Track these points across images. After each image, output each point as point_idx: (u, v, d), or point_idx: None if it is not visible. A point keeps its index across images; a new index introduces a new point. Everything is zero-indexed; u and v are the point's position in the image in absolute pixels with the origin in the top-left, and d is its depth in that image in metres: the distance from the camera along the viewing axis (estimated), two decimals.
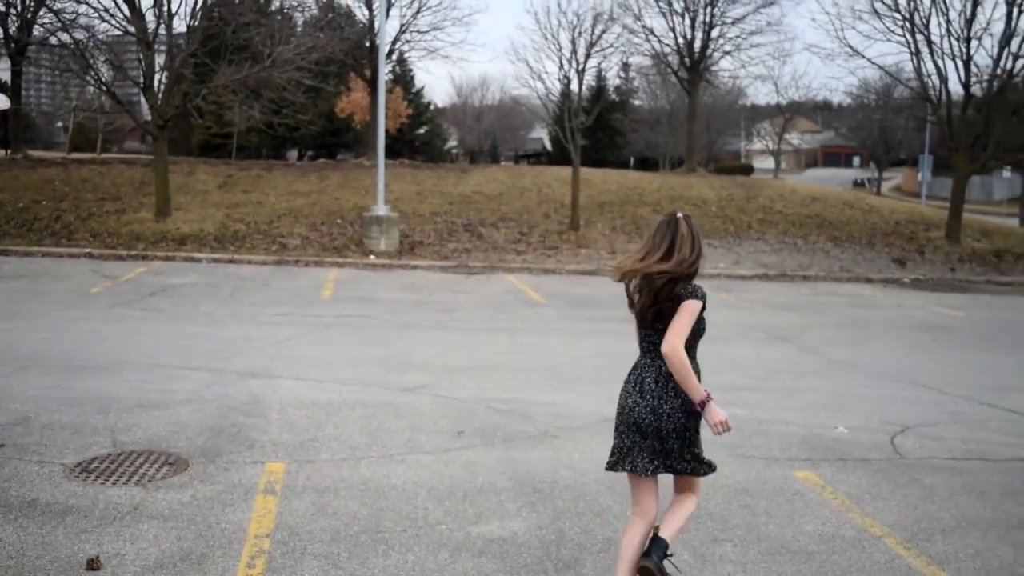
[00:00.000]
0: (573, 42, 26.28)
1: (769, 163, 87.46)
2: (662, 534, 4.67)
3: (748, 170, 73.31)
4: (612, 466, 4.83)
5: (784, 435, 8.28)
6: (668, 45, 37.38)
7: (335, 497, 6.31)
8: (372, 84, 31.97)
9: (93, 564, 5.07)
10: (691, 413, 4.66)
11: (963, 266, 25.31)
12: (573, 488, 6.68)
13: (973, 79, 28.11)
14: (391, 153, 41.82)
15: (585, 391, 9.75)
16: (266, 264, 21.01)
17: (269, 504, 6.13)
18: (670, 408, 4.66)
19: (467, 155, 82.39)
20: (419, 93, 66.04)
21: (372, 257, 22.04)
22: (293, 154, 56.47)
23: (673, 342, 4.53)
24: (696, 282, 4.67)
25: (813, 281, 22.24)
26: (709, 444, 7.82)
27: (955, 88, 29.06)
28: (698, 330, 4.68)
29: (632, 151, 70.96)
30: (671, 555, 4.73)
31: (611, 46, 32.17)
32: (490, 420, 8.36)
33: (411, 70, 61.17)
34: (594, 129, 65.13)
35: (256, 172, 29.55)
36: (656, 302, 4.63)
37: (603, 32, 27.19)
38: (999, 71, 27.72)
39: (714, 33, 36.93)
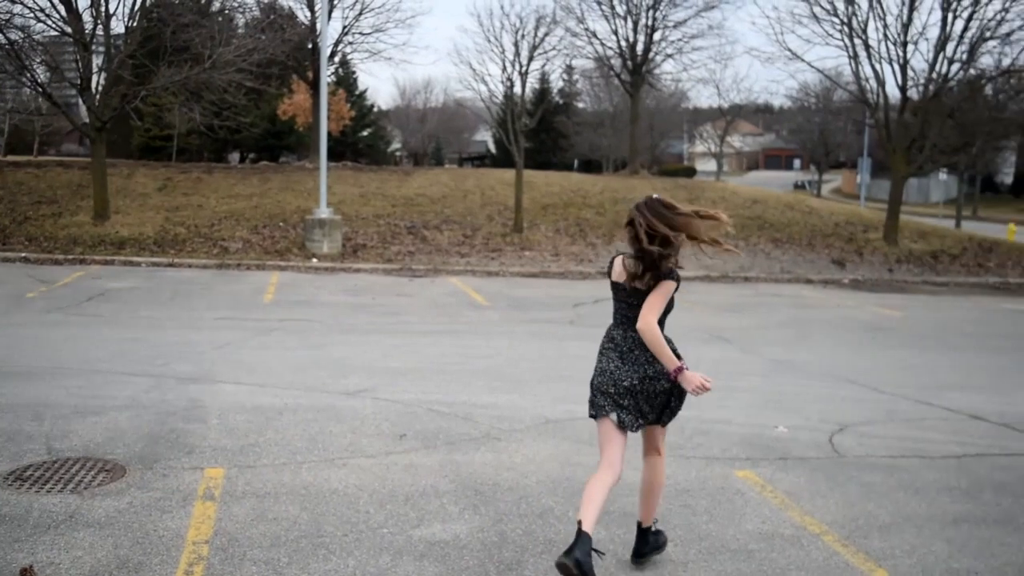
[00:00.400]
0: (516, 44, 26.35)
1: (711, 165, 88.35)
2: (646, 524, 5.40)
3: (691, 172, 73.93)
4: (592, 414, 5.24)
5: (725, 435, 8.35)
6: (611, 48, 37.64)
7: (275, 502, 6.26)
8: (314, 86, 31.80)
9: (27, 574, 4.98)
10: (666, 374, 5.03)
11: (901, 267, 25.70)
12: (515, 490, 6.69)
13: (910, 83, 28.58)
14: (334, 155, 41.63)
15: (528, 393, 9.77)
16: (207, 268, 20.79)
17: (208, 510, 6.06)
18: (650, 372, 5.07)
19: (411, 157, 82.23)
20: (362, 95, 65.73)
21: (315, 260, 21.91)
22: (235, 156, 55.95)
23: (648, 319, 4.94)
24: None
25: (754, 282, 22.47)
26: None
27: (892, 92, 29.55)
28: (668, 307, 5.09)
29: (576, 153, 71.24)
30: (659, 530, 5.50)
31: (554, 49, 32.46)
32: (432, 423, 8.35)
33: (354, 72, 60.86)
34: (538, 131, 65.28)
35: (196, 175, 29.25)
36: (636, 286, 5.06)
37: (546, 35, 27.33)
38: (935, 75, 28.19)
39: (656, 36, 37.27)
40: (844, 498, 6.83)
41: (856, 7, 28.33)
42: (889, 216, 28.62)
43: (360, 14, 34.11)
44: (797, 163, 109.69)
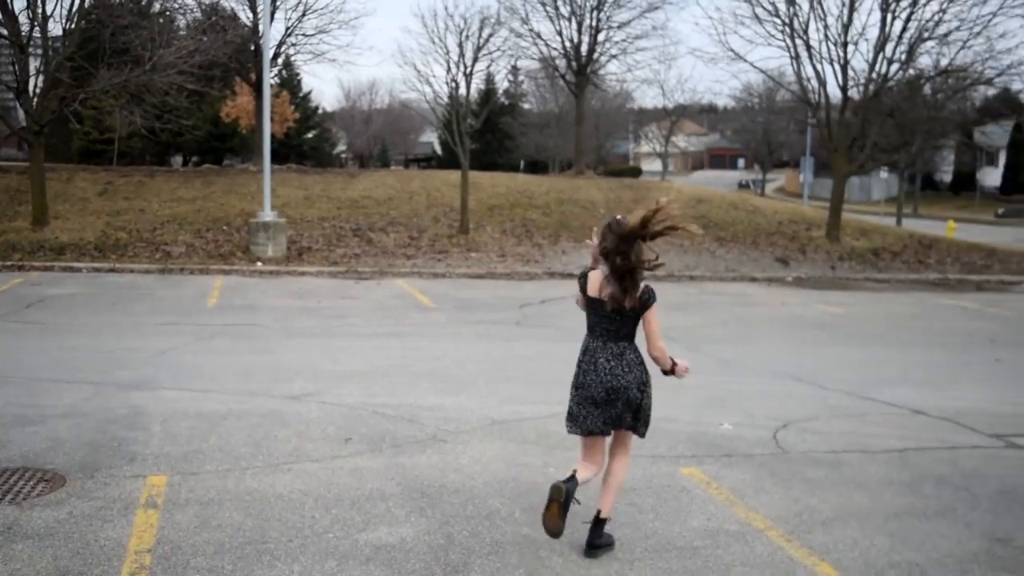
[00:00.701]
0: (460, 46, 26.35)
1: (657, 165, 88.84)
2: (604, 515, 5.67)
3: (636, 172, 74.30)
4: (571, 430, 5.74)
5: (671, 433, 8.40)
6: (555, 49, 37.72)
7: (219, 509, 6.20)
8: (257, 88, 31.53)
9: None
10: (642, 384, 5.61)
11: (843, 264, 26.01)
12: (462, 492, 6.67)
13: (850, 83, 28.94)
14: (279, 158, 41.31)
15: (474, 394, 9.75)
16: (149, 273, 20.54)
17: (150, 518, 5.99)
18: (624, 383, 5.55)
19: (357, 159, 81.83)
20: (307, 97, 65.28)
21: (259, 264, 21.72)
22: (178, 160, 55.30)
23: (660, 345, 5.58)
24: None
25: (699, 281, 22.63)
26: None
27: (834, 91, 30.00)
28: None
29: (522, 154, 71.32)
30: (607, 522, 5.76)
31: (498, 50, 32.38)
32: (378, 426, 8.31)
33: (298, 74, 60.43)
34: (484, 133, 65.29)
35: (138, 178, 28.89)
36: (629, 301, 5.46)
37: (490, 36, 27.35)
38: (874, 75, 28.57)
39: (600, 37, 37.38)
40: (788, 494, 6.90)
41: (797, 8, 28.68)
42: (831, 214, 28.96)
43: (303, 15, 33.87)
44: (741, 162, 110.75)
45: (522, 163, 72.42)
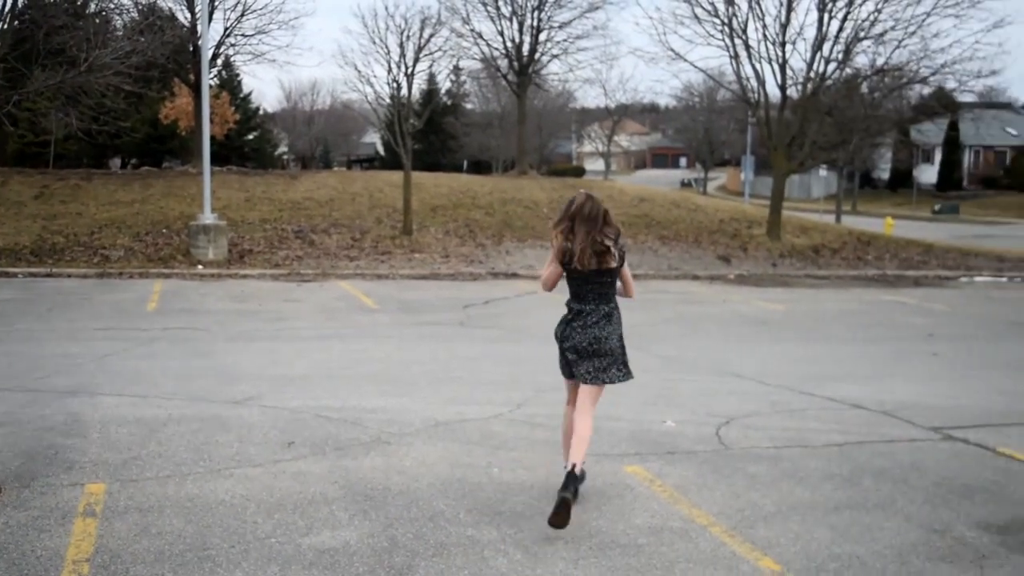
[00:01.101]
0: (401, 46, 26.19)
1: (600, 165, 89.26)
2: (576, 468, 6.13)
3: (580, 172, 74.66)
4: (566, 375, 6.67)
5: (614, 431, 8.43)
6: (497, 49, 37.66)
7: (159, 516, 6.11)
8: (196, 89, 31.15)
9: None
10: (619, 337, 6.52)
11: (784, 261, 26.29)
12: (406, 494, 6.65)
13: (789, 82, 29.26)
14: (220, 160, 40.89)
15: (417, 395, 9.72)
16: (87, 277, 20.22)
17: (89, 527, 5.89)
18: (606, 334, 6.40)
19: (298, 161, 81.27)
20: (247, 98, 64.66)
21: (200, 267, 21.49)
22: (116, 162, 54.52)
23: (633, 290, 6.86)
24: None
25: (643, 279, 22.71)
26: (540, 444, 7.93)
27: (773, 90, 30.18)
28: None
29: (465, 154, 71.27)
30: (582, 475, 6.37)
31: (440, 50, 32.15)
32: (321, 429, 8.25)
33: (238, 75, 59.80)
34: (426, 133, 65.05)
35: (75, 182, 28.43)
36: (608, 262, 6.33)
37: (431, 36, 27.20)
38: (813, 74, 28.92)
39: (542, 37, 37.39)
40: (730, 489, 6.96)
41: (736, 8, 28.91)
42: (772, 212, 29.26)
43: (242, 15, 33.48)
44: (683, 161, 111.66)
45: (465, 163, 72.36)
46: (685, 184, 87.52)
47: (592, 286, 6.39)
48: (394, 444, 7.85)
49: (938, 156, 74.23)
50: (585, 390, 6.47)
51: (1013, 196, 68.91)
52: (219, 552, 5.57)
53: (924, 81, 30.93)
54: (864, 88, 32.34)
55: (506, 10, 36.62)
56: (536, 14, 36.84)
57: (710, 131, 77.48)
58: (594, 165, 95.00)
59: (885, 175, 78.34)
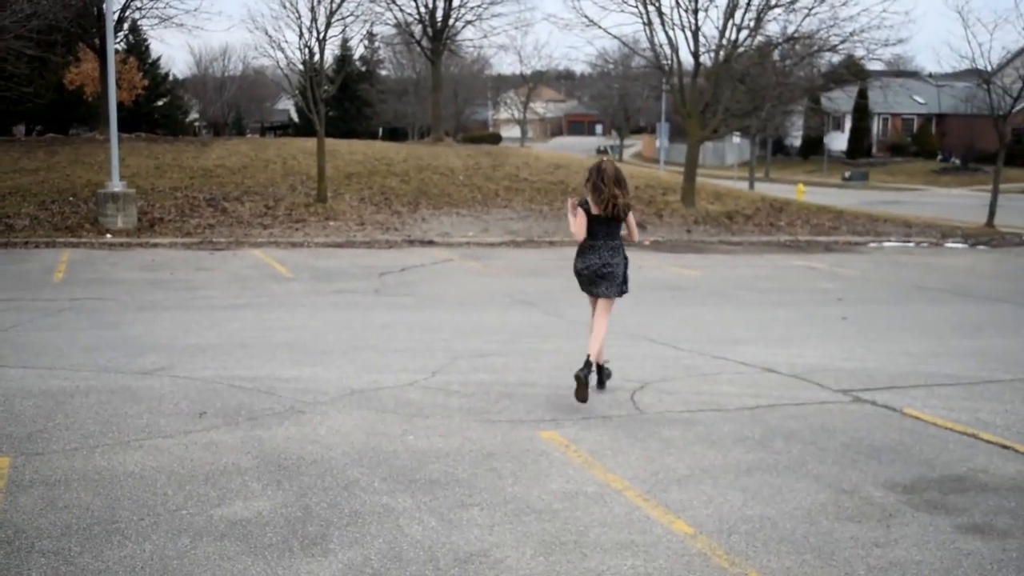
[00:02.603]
0: (313, 10, 25.74)
1: (516, 132, 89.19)
2: (595, 359, 8.40)
3: (496, 139, 74.47)
4: (586, 292, 8.75)
5: (529, 397, 8.45)
6: (411, 15, 37.35)
7: (66, 489, 5.98)
8: (102, 54, 30.35)
9: None
10: (623, 266, 8.59)
11: (698, 228, 26.55)
12: (320, 463, 6.59)
13: (702, 49, 29.41)
14: (129, 127, 39.89)
15: (332, 364, 9.63)
16: None
17: None
18: (616, 263, 8.48)
19: (210, 128, 79.80)
20: (156, 64, 63.25)
21: (109, 236, 21.01)
22: (21, 129, 52.99)
23: (637, 233, 8.98)
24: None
25: (559, 246, 22.77)
26: (455, 411, 7.91)
27: (686, 58, 30.35)
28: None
29: (381, 121, 70.73)
30: (607, 362, 8.92)
31: (352, 15, 31.77)
32: (233, 399, 8.13)
33: (146, 39, 58.44)
34: (341, 100, 64.41)
35: None
36: (619, 211, 8.37)
37: (343, 0, 26.79)
38: (725, 41, 29.12)
39: (456, 3, 37.15)
40: (645, 454, 7.01)
41: None
42: (686, 179, 29.49)
43: None
44: (599, 128, 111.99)
45: (381, 130, 71.82)
46: (601, 151, 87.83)
47: (603, 227, 8.40)
48: (308, 413, 7.78)
49: (848, 124, 75.53)
50: (601, 302, 8.58)
51: (920, 163, 70.50)
52: (128, 525, 5.46)
53: (834, 49, 31.34)
54: (776, 56, 32.64)
55: None
56: None
57: (625, 98, 77.81)
58: (510, 132, 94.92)
59: (797, 142, 79.50)
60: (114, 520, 5.52)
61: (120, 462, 6.50)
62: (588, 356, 8.21)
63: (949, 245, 26.17)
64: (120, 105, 26.48)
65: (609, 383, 9.04)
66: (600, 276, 8.45)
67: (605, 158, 8.74)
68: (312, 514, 5.71)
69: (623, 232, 8.61)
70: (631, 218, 8.61)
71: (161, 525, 5.47)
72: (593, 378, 8.48)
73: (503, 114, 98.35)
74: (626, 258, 8.59)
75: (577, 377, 7.95)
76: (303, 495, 6.00)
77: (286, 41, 55.17)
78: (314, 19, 25.70)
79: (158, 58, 65.35)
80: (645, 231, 25.22)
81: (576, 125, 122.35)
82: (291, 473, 6.38)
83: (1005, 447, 7.40)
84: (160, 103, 64.04)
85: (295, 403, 8.06)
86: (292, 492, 6.05)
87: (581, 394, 7.97)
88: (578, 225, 8.43)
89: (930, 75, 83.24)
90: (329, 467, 6.51)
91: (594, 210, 8.33)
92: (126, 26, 38.30)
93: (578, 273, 8.62)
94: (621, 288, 8.57)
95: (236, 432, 7.22)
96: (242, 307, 13.35)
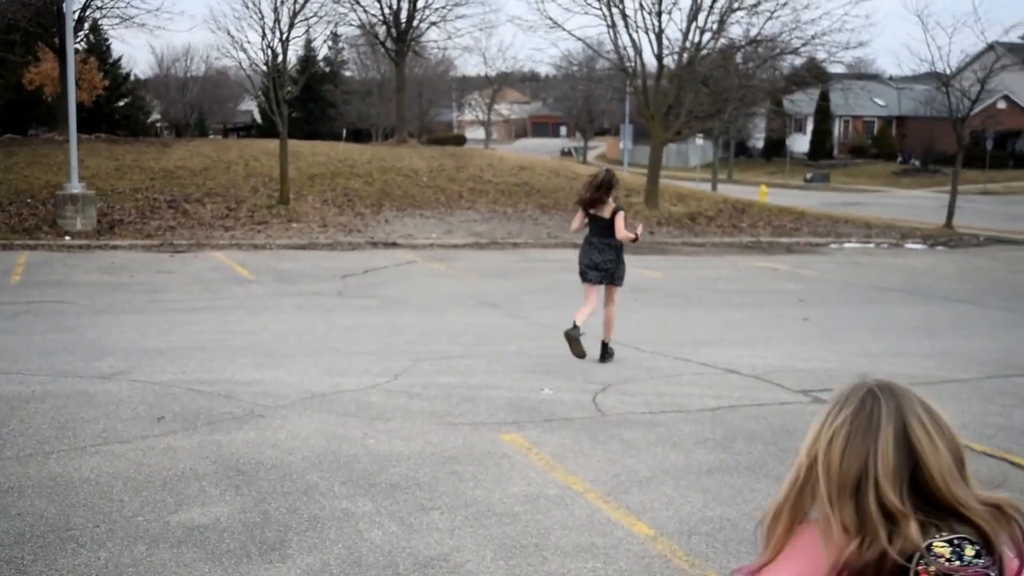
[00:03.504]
0: (276, 11, 25.58)
1: (480, 133, 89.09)
2: (607, 340, 10.31)
3: (461, 140, 74.40)
4: (583, 279, 10.20)
5: (492, 400, 8.43)
6: (375, 15, 37.18)
7: (19, 497, 5.89)
8: (61, 54, 30.02)
9: None
10: (619, 258, 10.12)
11: (661, 229, 26.62)
12: (279, 468, 6.53)
13: (665, 52, 29.51)
14: (89, 127, 39.46)
15: (293, 367, 9.57)
16: None
17: None
18: (606, 259, 10.02)
19: (172, 129, 79.13)
20: (117, 64, 62.63)
21: (68, 238, 20.78)
22: None
23: (623, 233, 9.95)
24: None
25: (523, 248, 22.80)
26: (417, 415, 7.87)
27: (649, 60, 30.47)
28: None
29: (345, 123, 70.43)
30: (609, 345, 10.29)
31: (316, 15, 31.43)
32: (192, 403, 8.05)
33: (107, 39, 57.81)
34: (305, 101, 64.07)
35: None
36: (607, 213, 9.92)
37: (306, 1, 26.63)
38: (688, 44, 29.23)
39: (420, 4, 36.99)
40: (606, 456, 7.01)
41: None
42: (649, 180, 29.57)
43: None
44: (564, 130, 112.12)
45: (344, 132, 71.53)
46: (565, 153, 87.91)
47: (598, 225, 10.00)
48: (268, 417, 7.71)
49: (810, 126, 75.98)
50: (602, 289, 10.19)
51: (880, 165, 71.06)
52: (83, 532, 5.39)
53: (796, 52, 31.57)
54: (738, 58, 32.80)
55: None
56: None
57: (589, 100, 77.77)
58: (475, 134, 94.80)
59: (759, 144, 79.90)
60: (68, 528, 5.45)
61: (75, 468, 6.42)
62: (575, 320, 9.97)
63: (909, 246, 26.41)
64: (80, 105, 26.22)
65: (570, 385, 9.04)
66: (591, 268, 10.07)
67: (604, 166, 10.66)
68: (271, 519, 5.66)
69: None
70: (618, 219, 9.92)
71: (117, 532, 5.41)
72: (593, 348, 10.18)
73: (467, 116, 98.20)
74: (619, 254, 10.09)
75: (568, 336, 9.78)
76: (262, 500, 5.95)
77: (249, 42, 55.03)
78: (277, 20, 25.56)
79: (119, 58, 64.76)
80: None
81: (540, 127, 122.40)
82: (250, 478, 6.33)
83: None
84: (121, 104, 63.45)
85: (255, 407, 7.99)
86: (251, 497, 5.99)
87: (578, 350, 9.81)
88: (576, 220, 10.31)
89: (890, 78, 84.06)
90: (288, 472, 6.46)
91: (589, 210, 10.03)
92: (87, 26, 37.88)
93: (580, 262, 10.28)
94: (613, 279, 10.13)
95: (194, 437, 7.15)
96: (203, 310, 13.24)
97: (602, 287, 10.23)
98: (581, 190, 10.17)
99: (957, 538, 1.72)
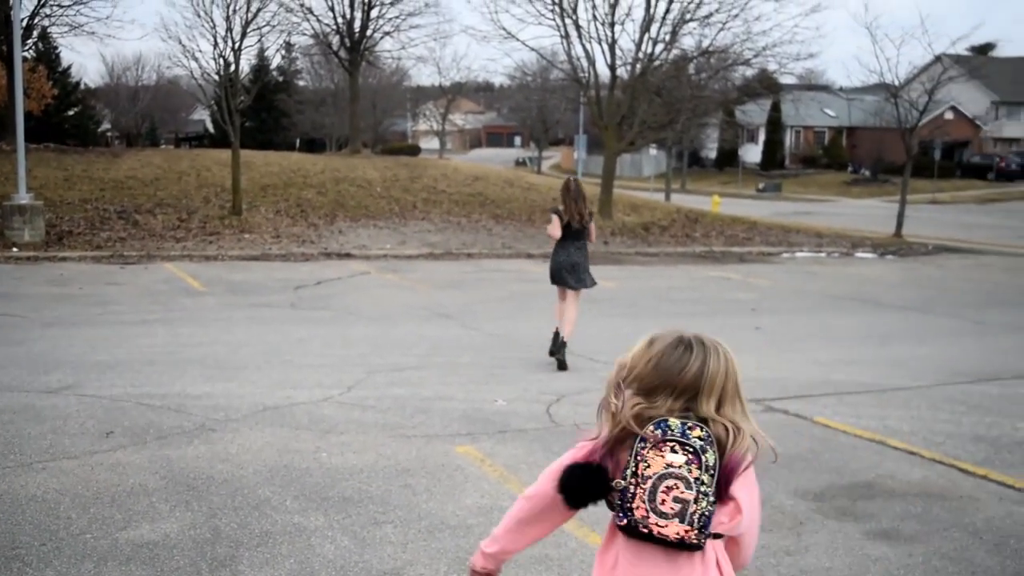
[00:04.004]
0: (228, 19, 25.43)
1: (435, 143, 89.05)
2: (565, 337, 10.64)
3: (415, 150, 74.30)
4: (556, 285, 10.92)
5: (445, 411, 8.40)
6: (328, 25, 37.09)
7: None
8: (8, 62, 29.63)
9: None
10: (587, 260, 10.97)
11: (615, 239, 26.72)
12: (230, 482, 6.47)
13: (619, 62, 29.69)
14: (38, 137, 39.05)
15: (245, 380, 9.48)
16: None
17: None
18: (579, 261, 10.80)
19: (123, 138, 78.33)
20: (66, 72, 62.04)
21: (15, 250, 20.47)
22: None
23: (594, 238, 11.07)
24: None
25: (477, 258, 22.79)
26: (370, 427, 7.82)
27: (603, 70, 30.60)
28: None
29: (298, 132, 70.11)
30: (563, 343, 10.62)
31: (268, 25, 31.27)
32: (142, 417, 7.95)
33: (56, 47, 57.33)
34: (258, 110, 63.72)
35: None
36: (584, 220, 10.76)
37: (259, 10, 26.50)
38: (641, 55, 29.42)
39: (373, 13, 37.01)
40: None
41: None
42: (603, 190, 29.69)
43: None
44: (518, 140, 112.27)
45: (298, 141, 71.20)
46: (520, 163, 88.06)
47: (574, 232, 10.72)
48: (219, 431, 7.64)
49: (762, 136, 76.78)
50: (570, 293, 10.82)
51: (831, 174, 71.84)
52: (29, 551, 5.30)
53: (747, 63, 31.88)
54: (691, 69, 33.05)
55: None
56: None
57: (544, 110, 77.99)
58: (429, 144, 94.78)
59: (712, 154, 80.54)
60: (14, 546, 5.36)
61: (22, 485, 6.31)
62: (560, 335, 10.68)
63: (859, 255, 26.70)
64: (28, 115, 25.89)
65: (525, 396, 9.04)
66: (567, 270, 10.72)
67: (571, 176, 11.49)
68: (221, 535, 5.60)
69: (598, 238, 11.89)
70: (592, 226, 11.03)
71: (64, 550, 5.32)
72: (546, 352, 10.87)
73: (422, 125, 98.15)
74: (587, 257, 11.07)
75: (554, 356, 10.61)
76: (212, 515, 5.88)
77: (200, 51, 54.50)
78: (229, 29, 25.41)
79: (69, 67, 64.15)
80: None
81: (495, 137, 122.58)
82: (200, 493, 6.26)
83: (912, 453, 7.55)
84: (71, 113, 62.84)
85: (206, 421, 7.91)
86: (201, 513, 5.92)
87: (563, 367, 10.51)
88: (554, 227, 10.76)
89: (840, 89, 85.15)
90: (240, 486, 6.40)
91: (564, 218, 10.71)
92: (35, 33, 37.45)
93: (552, 267, 10.89)
94: (587, 280, 10.92)
95: (144, 452, 7.06)
96: (153, 322, 13.09)
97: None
98: (569, 203, 10.72)
99: (691, 424, 2.68)
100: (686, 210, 32.70)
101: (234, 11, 25.30)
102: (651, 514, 2.69)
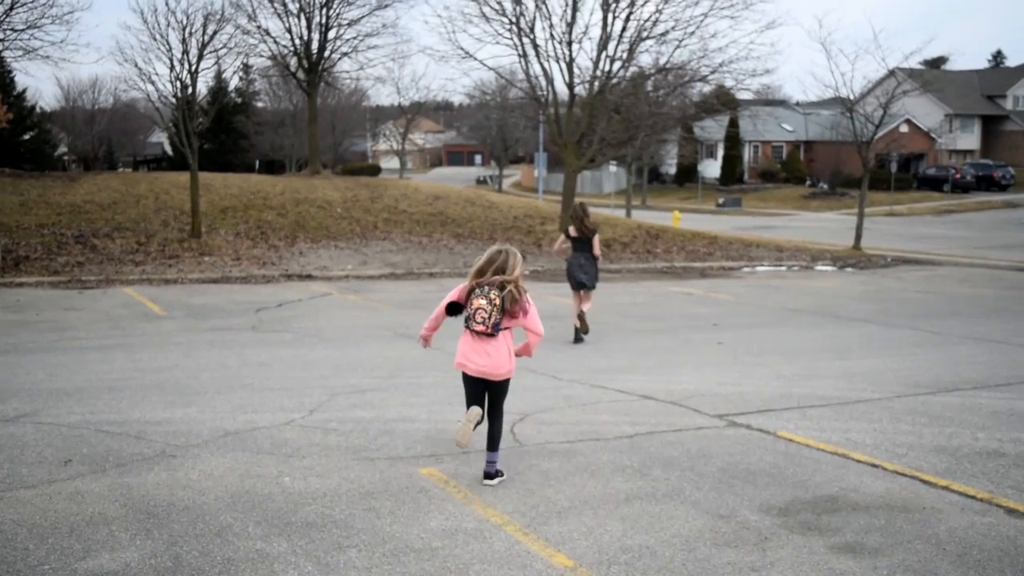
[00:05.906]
0: (184, 42, 25.28)
1: (395, 163, 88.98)
2: (582, 331, 13.76)
3: (375, 171, 74.18)
4: (569, 280, 13.99)
5: (409, 433, 8.36)
6: (286, 47, 36.98)
7: None
8: None
9: None
10: (596, 269, 13.96)
11: None
12: (192, 509, 6.38)
13: (577, 80, 29.75)
14: None
15: (206, 405, 9.38)
16: None
17: None
18: (590, 266, 13.82)
19: (80, 162, 77.64)
20: (21, 96, 61.42)
21: None
22: None
23: (599, 250, 14.09)
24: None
25: (439, 278, 22.74)
26: (333, 450, 7.76)
27: (561, 89, 30.66)
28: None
29: (257, 154, 69.82)
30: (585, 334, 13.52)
31: (226, 47, 31.14)
32: (101, 445, 7.84)
33: (10, 71, 56.75)
34: (217, 132, 63.44)
35: None
36: (587, 237, 13.81)
37: (216, 33, 26.36)
38: (599, 72, 29.52)
39: (331, 35, 36.97)
40: (524, 487, 6.99)
41: (523, 7, 29.15)
42: (564, 208, 29.68)
43: (11, 8, 31.58)
44: (479, 158, 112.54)
45: (258, 163, 70.89)
46: (480, 181, 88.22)
47: (580, 245, 13.78)
48: (180, 457, 7.54)
49: (720, 152, 77.25)
50: (583, 294, 13.82)
51: (790, 188, 72.41)
52: None
53: (704, 79, 32.01)
54: (649, 86, 33.19)
55: (293, 7, 36.05)
56: (324, 11, 36.41)
57: (503, 128, 78.22)
58: (390, 163, 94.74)
59: (672, 170, 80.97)
60: None
61: None
62: (577, 330, 13.80)
63: (819, 268, 26.92)
64: None
65: None
66: (577, 269, 13.75)
67: (577, 201, 15.44)
68: (183, 563, 5.52)
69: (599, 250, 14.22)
70: (596, 239, 13.84)
71: None
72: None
73: (382, 145, 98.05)
74: (595, 263, 13.94)
75: (578, 334, 13.84)
76: (173, 543, 5.80)
77: (157, 74, 53.96)
78: (186, 51, 25.27)
79: (24, 91, 63.48)
80: (524, 261, 25.32)
81: (455, 155, 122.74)
82: (161, 521, 6.17)
83: (874, 465, 7.59)
84: (26, 137, 62.22)
85: (166, 447, 7.82)
86: (162, 541, 5.84)
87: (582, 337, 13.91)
88: (559, 245, 14.44)
89: (797, 104, 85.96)
90: (201, 513, 6.32)
91: (573, 233, 13.82)
92: None
93: (568, 270, 13.96)
94: (594, 282, 13.86)
95: (103, 480, 6.96)
96: (112, 348, 12.94)
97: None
98: (571, 219, 14.06)
99: (490, 288, 6.97)
100: (647, 226, 32.84)
101: (190, 34, 25.19)
102: (473, 322, 6.98)
